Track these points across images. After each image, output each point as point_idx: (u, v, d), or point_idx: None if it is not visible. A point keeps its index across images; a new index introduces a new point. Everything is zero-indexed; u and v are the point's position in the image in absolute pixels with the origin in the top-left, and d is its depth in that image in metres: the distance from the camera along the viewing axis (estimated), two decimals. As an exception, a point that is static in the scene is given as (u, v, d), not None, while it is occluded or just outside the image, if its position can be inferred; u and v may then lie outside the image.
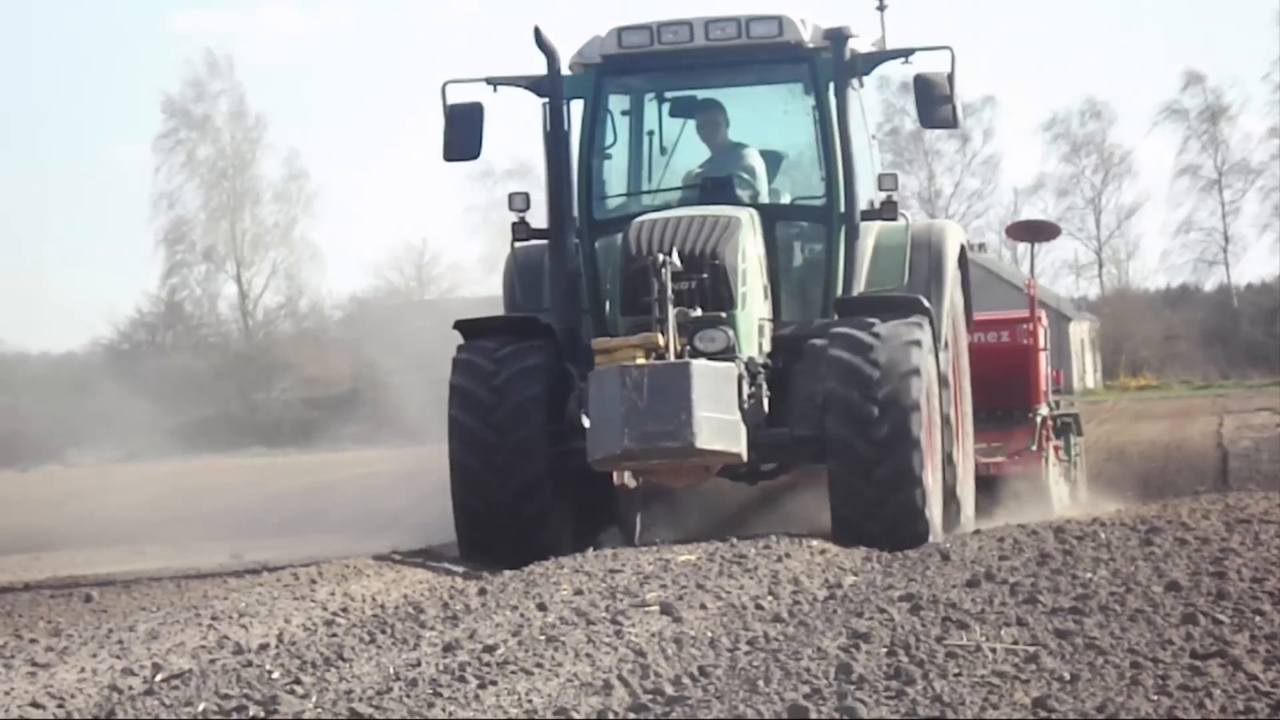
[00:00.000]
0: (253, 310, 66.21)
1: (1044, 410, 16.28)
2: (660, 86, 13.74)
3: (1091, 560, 9.66)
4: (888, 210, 13.26)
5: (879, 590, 9.36)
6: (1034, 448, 15.79)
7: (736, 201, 13.14)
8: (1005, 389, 15.62)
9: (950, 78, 12.94)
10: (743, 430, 12.10)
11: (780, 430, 12.55)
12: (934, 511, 12.56)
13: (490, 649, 7.84)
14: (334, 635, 8.66)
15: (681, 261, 12.23)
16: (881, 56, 13.43)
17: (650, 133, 13.77)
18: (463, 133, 13.33)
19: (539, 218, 13.46)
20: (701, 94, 13.69)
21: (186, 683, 7.73)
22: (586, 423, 12.02)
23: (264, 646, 8.87)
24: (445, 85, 13.31)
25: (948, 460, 13.15)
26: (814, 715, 6.02)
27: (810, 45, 13.23)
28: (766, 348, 12.84)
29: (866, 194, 13.28)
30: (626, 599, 9.22)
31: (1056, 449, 16.80)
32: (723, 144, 13.64)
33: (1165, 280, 75.12)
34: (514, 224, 13.40)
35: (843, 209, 13.13)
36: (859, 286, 13.27)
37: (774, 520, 13.88)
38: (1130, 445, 26.28)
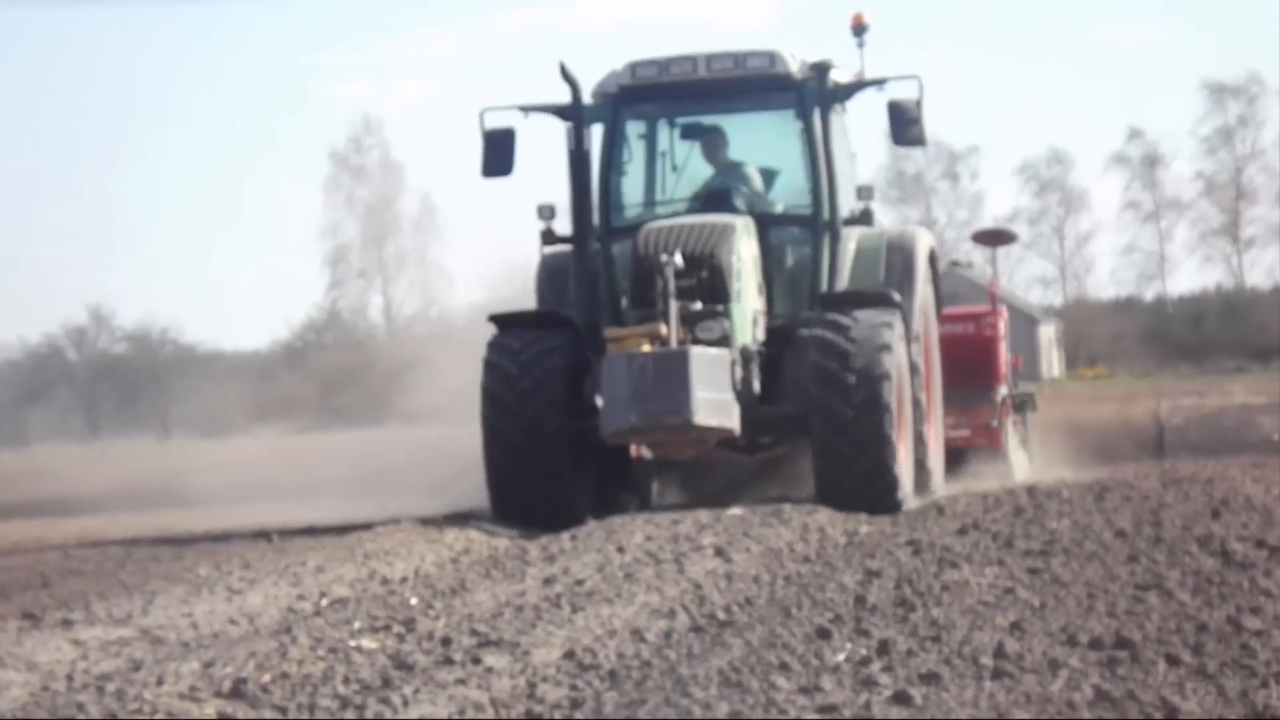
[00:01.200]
0: (395, 317, 66.63)
1: (1003, 390, 15.64)
2: (670, 113, 13.08)
3: (1056, 513, 9.56)
4: (865, 218, 12.65)
5: (888, 537, 9.29)
6: (994, 423, 15.22)
7: (734, 210, 12.47)
8: (970, 372, 15.04)
9: (918, 103, 12.28)
10: (736, 408, 11.41)
11: (772, 408, 11.90)
12: (904, 473, 11.77)
13: (580, 582, 7.82)
14: (458, 570, 8.66)
15: (684, 261, 11.56)
16: (859, 85, 12.76)
17: (663, 153, 13.13)
18: (497, 153, 12.57)
19: (564, 226, 12.66)
20: (706, 119, 13.09)
21: (345, 606, 7.76)
22: (600, 402, 11.38)
23: (404, 579, 8.88)
24: (483, 112, 12.48)
25: (919, 439, 12.46)
26: (835, 634, 5.97)
27: (798, 76, 12.58)
28: (761, 337, 12.13)
29: (848, 204, 12.69)
30: (687, 543, 9.18)
31: (1015, 423, 16.20)
32: (724, 162, 13.03)
33: (1115, 291, 74.34)
34: (542, 232, 12.63)
35: (826, 216, 12.51)
36: (841, 284, 12.61)
37: (769, 487, 13.10)
38: (1087, 421, 26.04)
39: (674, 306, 11.47)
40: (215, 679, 5.81)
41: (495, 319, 12.36)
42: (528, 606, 7.17)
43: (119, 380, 57.90)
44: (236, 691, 5.64)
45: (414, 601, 7.55)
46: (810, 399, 11.62)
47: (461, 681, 5.75)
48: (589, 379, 11.87)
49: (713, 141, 13.06)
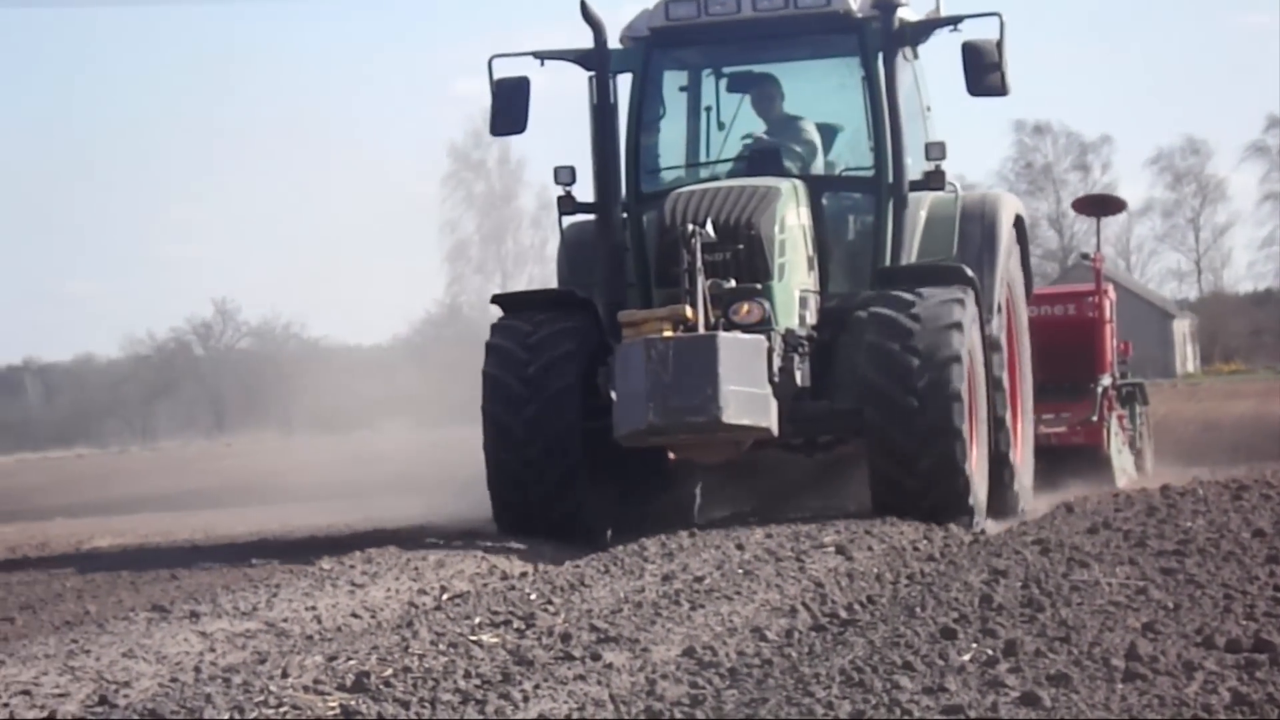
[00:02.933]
0: (515, 312, 66.91)
1: (1107, 381, 13.91)
2: (712, 60, 11.21)
3: (1191, 512, 9.34)
4: (935, 180, 10.70)
5: (1014, 536, 9.14)
6: (1095, 418, 13.56)
7: (783, 173, 10.70)
8: (1069, 360, 13.35)
9: (999, 44, 10.48)
10: (773, 404, 9.66)
11: (820, 403, 10.20)
12: (976, 476, 10.10)
13: (699, 579, 7.81)
14: (577, 567, 8.71)
15: (716, 232, 9.86)
16: (931, 25, 10.89)
17: (707, 108, 11.26)
18: (510, 107, 10.86)
19: (587, 192, 10.97)
20: (757, 68, 11.20)
21: (465, 601, 7.83)
22: (614, 397, 9.71)
23: (524, 574, 8.94)
24: (491, 60, 10.79)
25: (999, 424, 10.70)
26: (960, 634, 5.90)
27: (859, 15, 10.77)
28: (811, 320, 10.44)
29: (919, 165, 10.79)
30: (808, 541, 9.10)
31: (1121, 419, 14.42)
32: (778, 117, 11.15)
33: (1252, 285, 72.58)
34: (559, 198, 10.87)
35: (891, 179, 10.66)
36: (909, 257, 10.77)
37: (829, 492, 11.52)
38: (1222, 418, 25.53)
39: (702, 284, 9.77)
40: (338, 672, 5.90)
41: (500, 299, 10.90)
42: (647, 603, 7.17)
43: (244, 375, 59.13)
44: (359, 685, 5.72)
45: (533, 597, 7.60)
46: (865, 386, 10.03)
47: (581, 678, 5.77)
48: (601, 369, 10.17)
49: (765, 94, 11.20)
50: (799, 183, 10.70)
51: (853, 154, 11.18)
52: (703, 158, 11.28)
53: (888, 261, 10.74)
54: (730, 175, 10.90)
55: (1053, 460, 12.82)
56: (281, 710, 5.40)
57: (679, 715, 5.29)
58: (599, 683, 5.71)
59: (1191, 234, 72.68)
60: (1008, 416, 10.93)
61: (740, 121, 11.30)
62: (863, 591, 7.35)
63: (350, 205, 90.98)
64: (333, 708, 5.47)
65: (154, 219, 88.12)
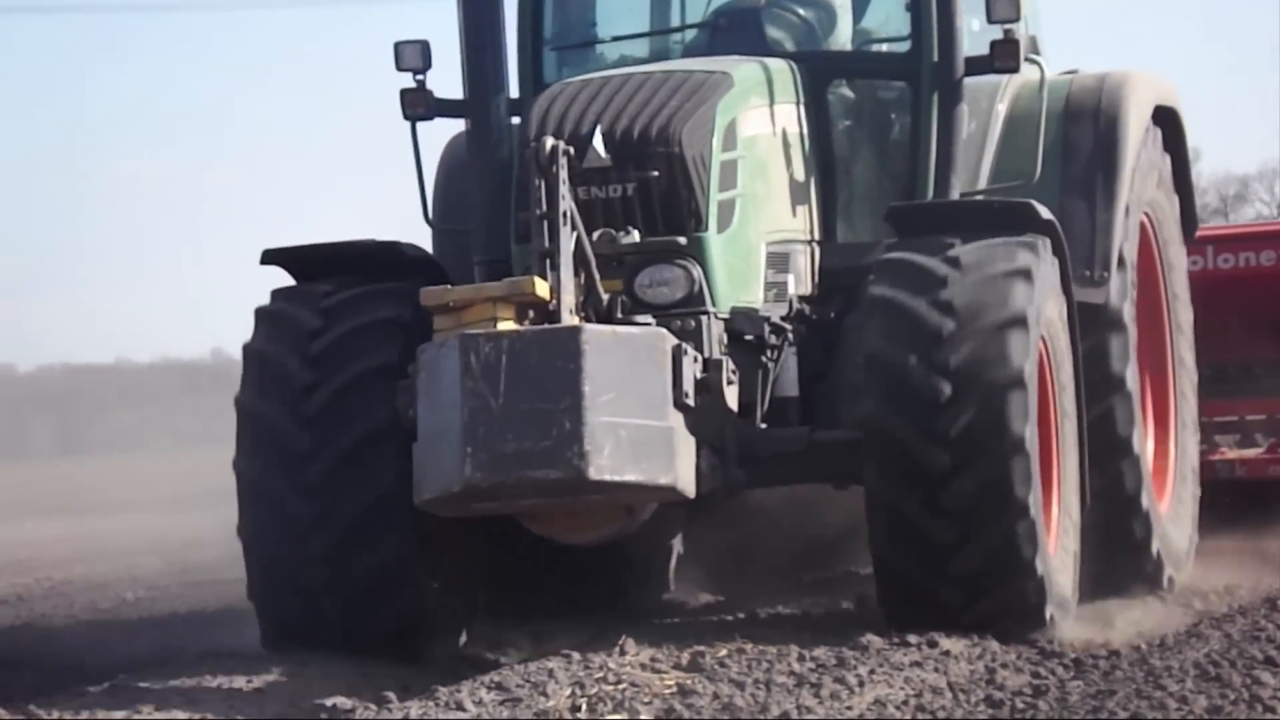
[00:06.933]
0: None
1: None
2: None
3: None
4: (1001, 56, 6.84)
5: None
6: None
7: (766, 50, 7.05)
8: (1264, 337, 9.04)
9: None
10: (684, 446, 5.98)
11: (791, 432, 6.44)
12: (1053, 561, 6.37)
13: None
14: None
15: (608, 150, 6.31)
16: None
17: None
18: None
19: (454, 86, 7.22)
20: None
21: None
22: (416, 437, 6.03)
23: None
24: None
25: (1121, 449, 7.11)
26: None
27: None
28: (799, 289, 6.79)
29: (985, 34, 7.01)
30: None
31: None
32: None
33: None
34: (404, 91, 7.11)
35: (935, 56, 6.92)
36: (976, 181, 7.18)
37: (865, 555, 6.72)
38: None
39: (572, 239, 6.08)
40: (674, 652, 6.00)
41: (276, 255, 6.76)
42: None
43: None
44: (695, 664, 5.85)
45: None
46: (862, 422, 6.30)
47: (918, 664, 5.77)
48: (401, 387, 6.17)
49: None
50: (784, 66, 6.93)
51: (895, 20, 7.33)
52: (648, 24, 7.51)
53: (930, 191, 6.95)
54: (687, 54, 7.22)
55: (1233, 501, 8.45)
56: (620, 686, 5.58)
57: (1020, 706, 5.21)
58: (936, 670, 5.71)
59: None
60: (1135, 437, 7.23)
61: None
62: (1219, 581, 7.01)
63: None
64: (669, 684, 5.62)
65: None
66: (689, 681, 5.59)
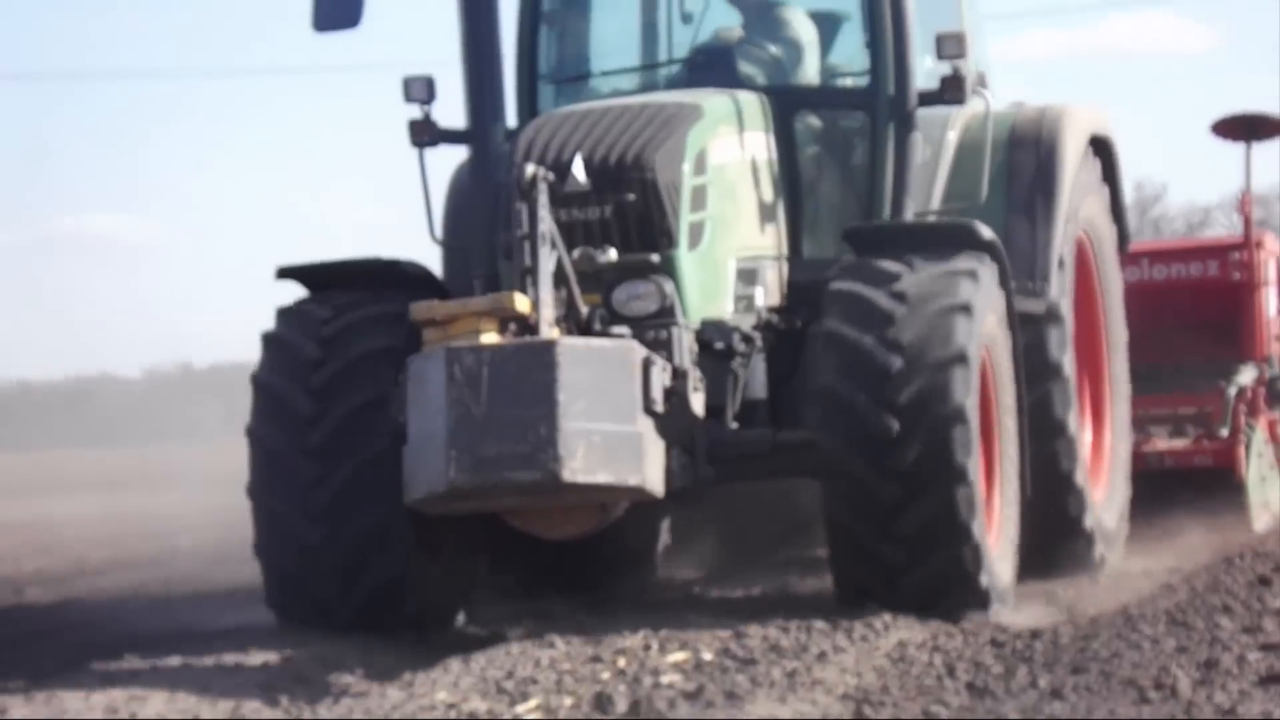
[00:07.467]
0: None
1: (1246, 375, 9.78)
2: None
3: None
4: (950, 90, 7.45)
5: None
6: (1225, 430, 9.55)
7: (739, 84, 7.60)
8: (1203, 344, 9.72)
9: None
10: (651, 449, 6.46)
11: (754, 434, 6.96)
12: (994, 533, 6.97)
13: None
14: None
15: (589, 176, 6.89)
16: None
17: None
18: None
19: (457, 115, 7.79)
20: None
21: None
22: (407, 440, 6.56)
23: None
24: None
25: (1057, 431, 7.66)
26: (1275, 582, 6.46)
27: None
28: (767, 300, 7.36)
29: (925, 71, 7.65)
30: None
31: (1274, 425, 10.11)
32: (755, 3, 8.01)
33: None
34: (412, 122, 7.72)
35: (891, 90, 7.51)
36: (929, 202, 7.78)
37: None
38: None
39: (551, 258, 6.62)
40: (717, 614, 6.70)
41: (289, 272, 7.40)
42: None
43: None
44: (743, 615, 6.54)
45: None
46: (818, 399, 6.85)
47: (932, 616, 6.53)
48: (393, 393, 6.67)
49: None
50: (754, 98, 7.52)
51: (856, 57, 7.92)
52: (635, 60, 8.13)
53: (887, 210, 7.56)
54: (669, 86, 7.80)
55: (1162, 490, 9.06)
56: (685, 633, 6.27)
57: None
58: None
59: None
60: (1071, 419, 7.76)
61: (713, 13, 8.15)
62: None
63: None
64: (725, 633, 6.39)
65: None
66: (742, 627, 6.37)
